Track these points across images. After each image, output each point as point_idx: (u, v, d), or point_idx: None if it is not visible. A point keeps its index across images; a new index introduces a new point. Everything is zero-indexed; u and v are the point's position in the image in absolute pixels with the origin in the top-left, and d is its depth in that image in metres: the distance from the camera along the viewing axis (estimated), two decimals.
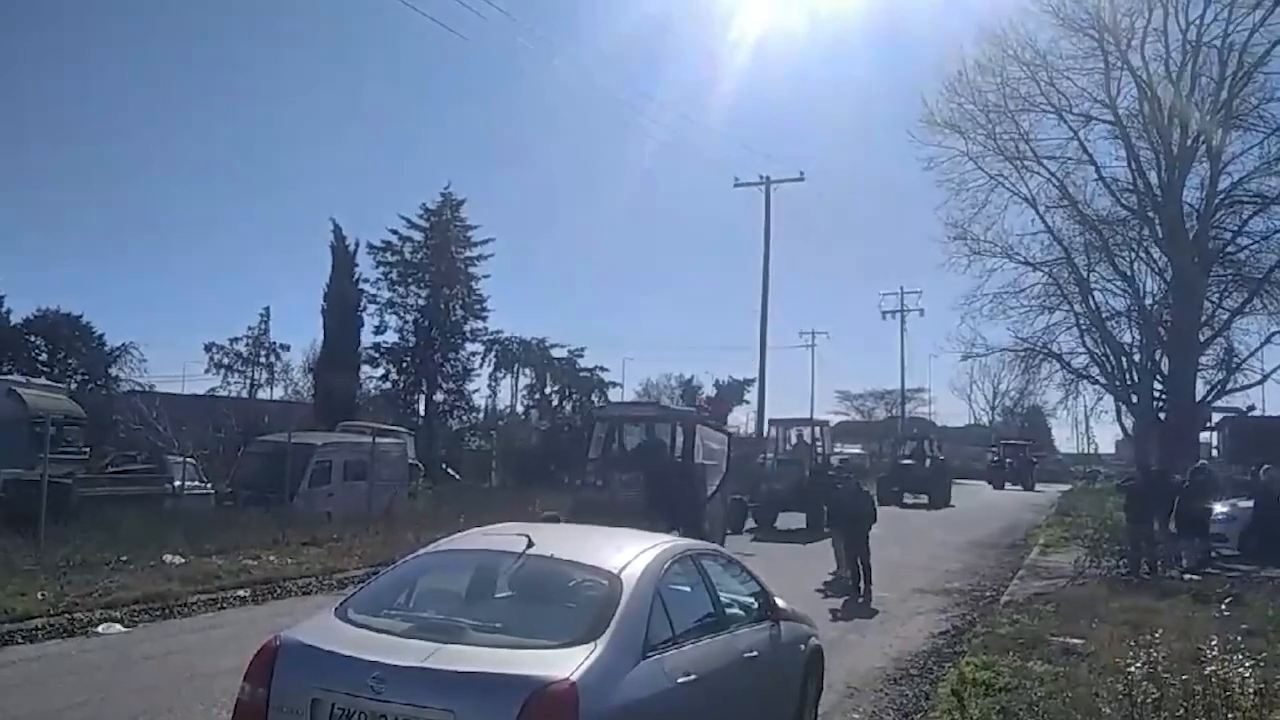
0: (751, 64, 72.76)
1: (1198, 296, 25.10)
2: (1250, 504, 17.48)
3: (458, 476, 30.14)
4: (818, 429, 29.06)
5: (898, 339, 58.51)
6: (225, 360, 45.86)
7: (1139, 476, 17.30)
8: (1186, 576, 14.59)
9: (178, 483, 19.18)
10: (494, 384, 46.69)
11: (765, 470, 26.51)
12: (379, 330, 41.94)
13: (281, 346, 46.96)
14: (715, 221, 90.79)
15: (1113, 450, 64.20)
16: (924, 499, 32.77)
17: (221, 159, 72.45)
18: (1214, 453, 26.22)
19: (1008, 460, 51.14)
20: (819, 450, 27.47)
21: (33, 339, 41.53)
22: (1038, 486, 47.16)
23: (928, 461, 36.50)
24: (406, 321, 42.13)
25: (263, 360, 46.49)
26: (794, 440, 28.34)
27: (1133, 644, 7.32)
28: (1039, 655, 8.89)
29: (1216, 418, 27.15)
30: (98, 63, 66.89)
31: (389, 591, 5.03)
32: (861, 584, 13.59)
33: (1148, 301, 26.80)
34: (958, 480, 48.76)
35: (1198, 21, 24.20)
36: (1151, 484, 16.26)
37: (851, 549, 13.95)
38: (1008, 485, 47.26)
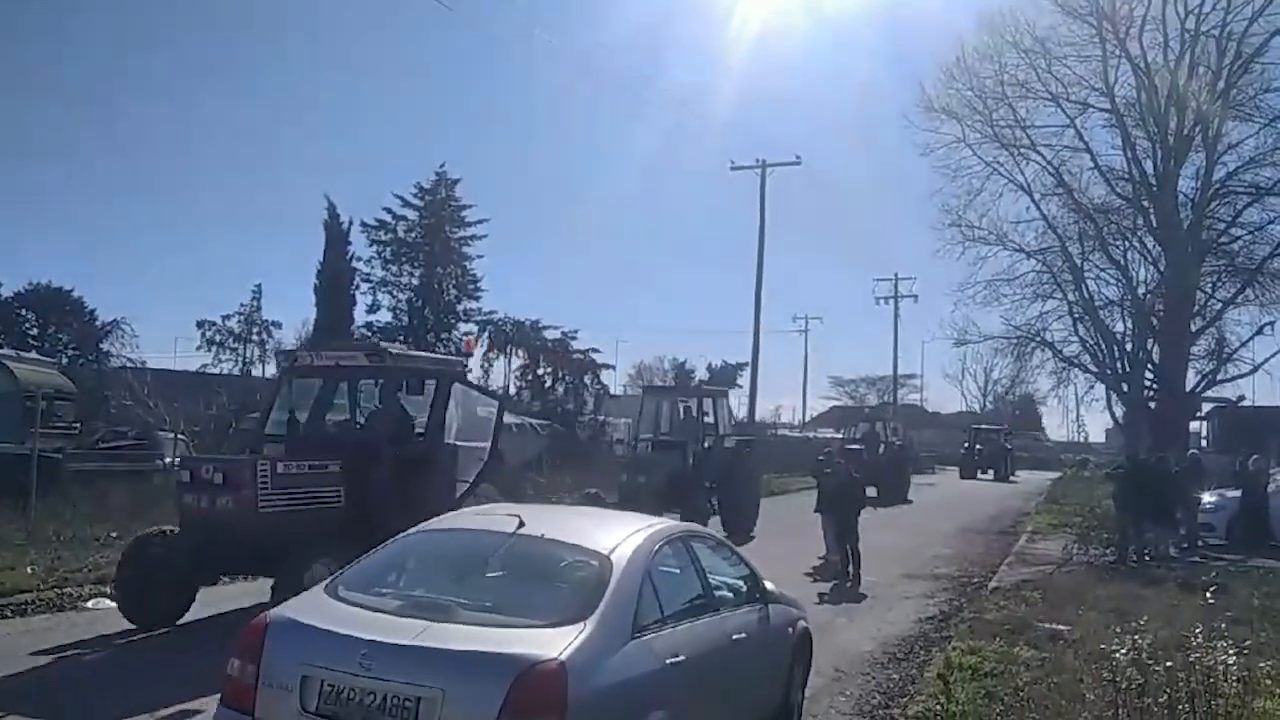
0: (751, 51, 72.54)
1: (1190, 287, 25.16)
2: (1238, 494, 17.64)
3: None
4: (709, 400, 21.21)
5: (891, 325, 58.65)
6: (217, 337, 45.64)
7: (1128, 465, 17.40)
8: (1153, 562, 14.76)
9: (169, 459, 19.14)
10: (487, 365, 46.66)
11: (636, 457, 20.25)
12: (372, 309, 41.86)
13: (274, 324, 46.76)
14: (711, 206, 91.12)
15: (1103, 439, 64.56)
16: (873, 492, 26.82)
17: (216, 135, 72.06)
18: (1203, 443, 26.35)
19: (978, 447, 46.94)
20: (710, 426, 20.36)
21: (23, 313, 41.29)
22: (1019, 474, 45.29)
23: (881, 448, 30.83)
24: (400, 300, 42.05)
25: (255, 337, 46.31)
26: (681, 415, 20.90)
27: (1118, 631, 7.37)
28: (1025, 641, 8.96)
29: (1206, 408, 27.32)
30: (91, 38, 66.32)
31: (380, 569, 5.04)
32: (850, 568, 13.66)
33: (1140, 291, 26.87)
34: (940, 467, 47.20)
35: (1196, 10, 24.17)
36: (1141, 472, 16.35)
37: (840, 534, 14.01)
38: (979, 474, 44.14)
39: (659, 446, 20.02)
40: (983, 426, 52.79)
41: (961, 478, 43.39)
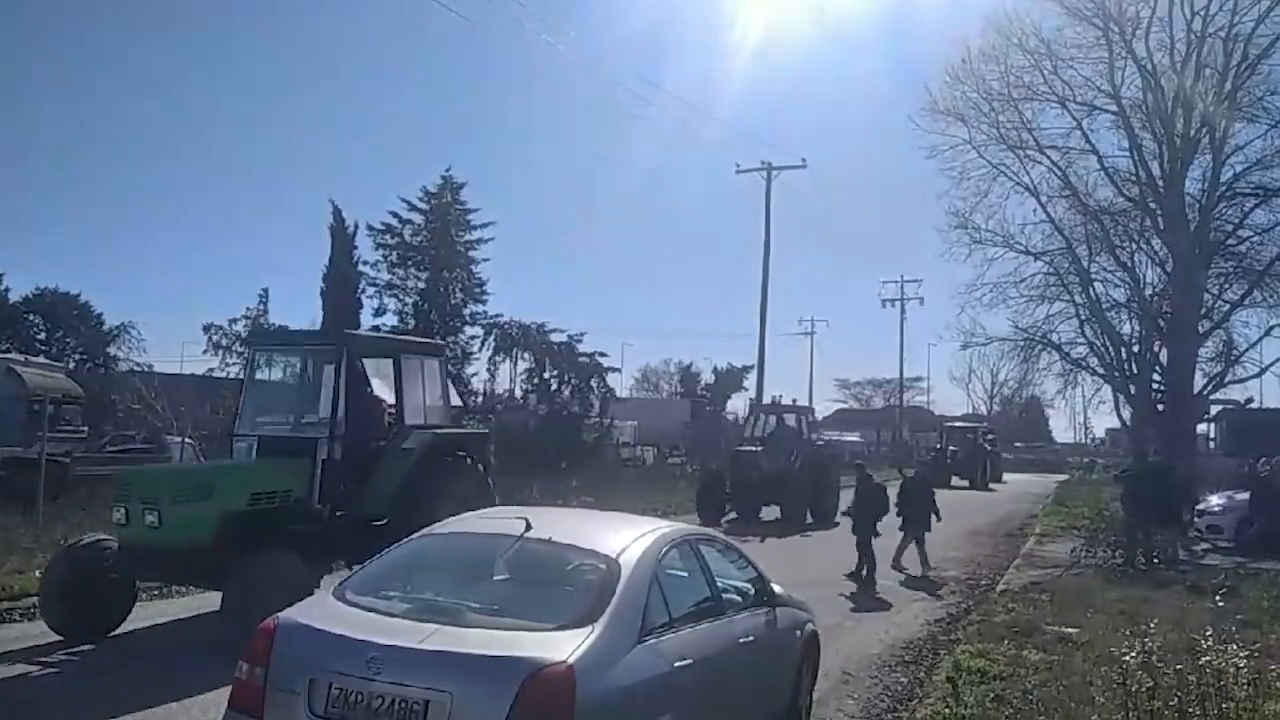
0: (757, 54, 72.74)
1: (1198, 288, 25.05)
2: (1246, 496, 17.58)
3: None
4: (383, 363, 10.84)
5: (897, 327, 58.53)
6: (224, 341, 45.73)
7: (1136, 467, 17.36)
8: (1162, 564, 14.73)
9: (175, 462, 19.19)
10: (493, 368, 46.67)
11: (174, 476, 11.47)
12: (378, 313, 41.84)
13: (281, 328, 46.88)
14: (717, 209, 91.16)
15: (1106, 441, 64.34)
16: (777, 511, 21.54)
17: (223, 140, 72.30)
18: (1211, 444, 26.30)
19: (951, 448, 40.07)
20: (385, 410, 10.72)
21: (31, 318, 41.51)
22: (1006, 479, 40.80)
23: (794, 453, 22.94)
24: (406, 304, 42.06)
25: None
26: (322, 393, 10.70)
27: (1128, 633, 7.35)
28: (1034, 644, 8.94)
29: (1215, 410, 27.20)
30: (99, 44, 66.60)
31: (387, 573, 5.04)
32: (863, 571, 13.68)
33: (1148, 292, 26.77)
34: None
35: (1203, 11, 24.07)
36: (1149, 474, 16.30)
37: (859, 539, 14.00)
38: (953, 481, 36.36)
39: (267, 449, 10.07)
40: (957, 424, 46.34)
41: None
